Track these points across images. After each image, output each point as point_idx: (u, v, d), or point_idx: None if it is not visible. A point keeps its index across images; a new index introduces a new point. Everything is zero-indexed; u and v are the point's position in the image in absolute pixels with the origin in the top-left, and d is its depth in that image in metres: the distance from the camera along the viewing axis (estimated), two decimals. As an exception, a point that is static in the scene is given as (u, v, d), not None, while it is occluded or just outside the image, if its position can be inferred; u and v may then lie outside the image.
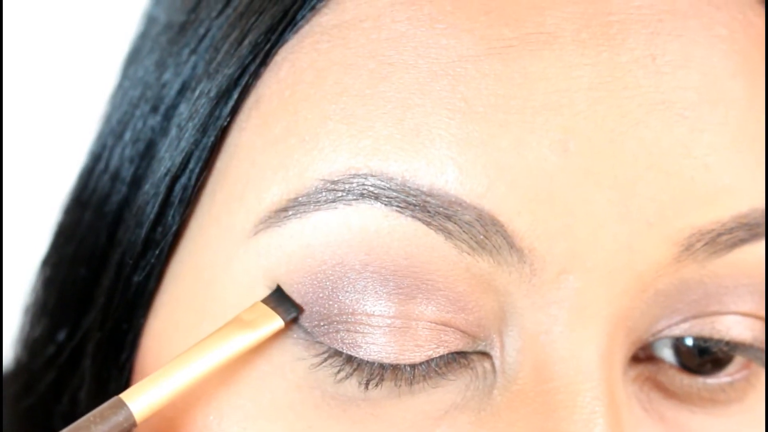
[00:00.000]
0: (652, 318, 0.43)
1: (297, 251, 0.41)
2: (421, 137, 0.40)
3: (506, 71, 0.40)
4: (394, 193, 0.40)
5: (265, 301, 0.41)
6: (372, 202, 0.40)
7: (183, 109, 0.44)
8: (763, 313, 0.44)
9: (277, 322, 0.41)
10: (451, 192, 0.40)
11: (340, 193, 0.40)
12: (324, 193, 0.40)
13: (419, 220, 0.40)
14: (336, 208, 0.40)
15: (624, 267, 0.41)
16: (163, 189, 0.44)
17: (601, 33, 0.41)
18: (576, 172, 0.40)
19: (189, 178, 0.43)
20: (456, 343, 0.41)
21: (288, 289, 0.41)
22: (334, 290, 0.41)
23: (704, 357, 0.44)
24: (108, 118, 0.49)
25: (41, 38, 0.78)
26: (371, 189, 0.40)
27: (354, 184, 0.40)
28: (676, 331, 0.44)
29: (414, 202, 0.40)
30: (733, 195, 0.42)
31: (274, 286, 0.41)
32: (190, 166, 0.43)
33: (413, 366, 0.41)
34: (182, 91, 0.45)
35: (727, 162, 0.42)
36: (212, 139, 0.43)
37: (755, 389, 0.45)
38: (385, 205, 0.40)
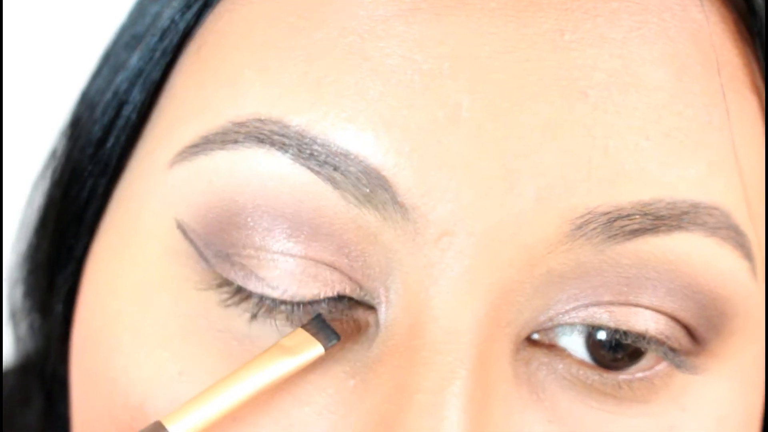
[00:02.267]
0: (548, 298, 0.42)
1: (200, 187, 0.43)
2: (320, 90, 0.41)
3: (409, 32, 0.41)
4: (289, 141, 0.41)
5: (306, 327, 0.42)
6: (268, 147, 0.42)
7: (143, 45, 0.48)
8: (670, 311, 0.43)
9: (317, 349, 0.42)
10: (340, 144, 0.41)
11: (242, 136, 0.42)
12: (230, 134, 0.42)
13: (309, 169, 0.41)
14: (237, 149, 0.42)
15: (509, 237, 0.41)
16: (109, 112, 0.48)
17: (511, 4, 0.42)
18: (466, 137, 0.41)
19: (133, 106, 0.47)
20: (343, 286, 0.42)
21: (191, 222, 0.43)
22: (229, 224, 0.42)
23: (615, 352, 0.44)
24: (107, 52, 0.52)
25: (41, 37, 0.78)
26: (269, 134, 0.42)
27: (255, 129, 0.42)
28: (575, 319, 0.43)
29: (306, 150, 0.41)
30: (634, 181, 0.42)
31: (182, 219, 0.43)
32: (133, 95, 0.47)
33: (300, 305, 0.42)
34: (149, 27, 0.48)
35: (631, 147, 0.42)
36: (155, 74, 0.46)
37: (661, 393, 0.44)
38: (280, 151, 0.41)
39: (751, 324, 0.46)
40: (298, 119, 0.41)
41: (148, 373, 0.43)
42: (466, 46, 0.41)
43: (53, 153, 0.52)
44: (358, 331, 0.43)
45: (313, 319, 0.42)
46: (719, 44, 0.44)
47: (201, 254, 0.43)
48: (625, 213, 0.41)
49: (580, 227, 0.41)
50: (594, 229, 0.41)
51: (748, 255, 0.44)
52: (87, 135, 0.49)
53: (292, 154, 0.41)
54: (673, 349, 0.44)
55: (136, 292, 0.45)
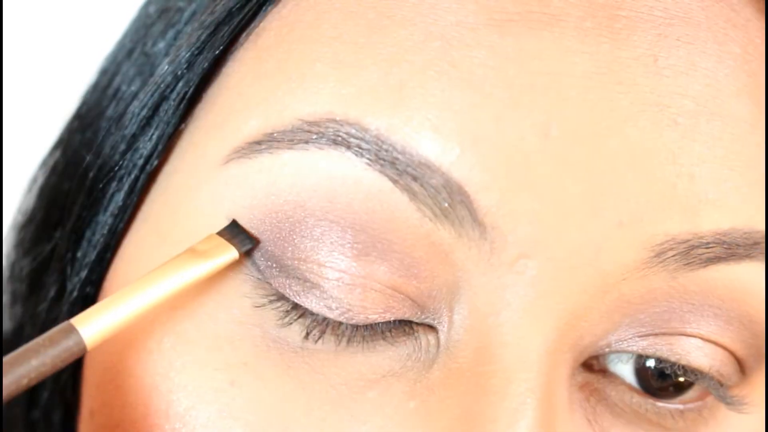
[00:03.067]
0: (611, 324, 0.42)
1: (262, 187, 0.41)
2: (403, 94, 0.40)
3: (501, 44, 0.40)
4: (367, 145, 0.39)
5: (221, 233, 0.40)
6: (344, 150, 0.40)
7: (186, 34, 0.45)
8: (727, 343, 0.43)
9: (231, 254, 0.40)
10: (422, 153, 0.39)
11: (314, 136, 0.40)
12: (299, 133, 0.40)
13: (386, 176, 0.39)
14: (307, 149, 0.40)
15: (588, 263, 0.40)
16: (149, 105, 0.44)
17: (605, 24, 0.41)
18: (553, 157, 0.40)
19: (175, 100, 0.44)
20: (404, 311, 0.41)
21: (247, 225, 0.41)
22: (291, 233, 0.40)
23: (663, 380, 0.43)
24: (125, 35, 0.50)
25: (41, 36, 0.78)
26: (345, 137, 0.40)
27: (329, 129, 0.40)
28: (634, 347, 0.42)
29: (384, 157, 0.39)
30: (715, 210, 0.41)
31: (233, 217, 0.41)
32: (179, 87, 0.43)
33: (357, 326, 0.41)
34: (191, 18, 0.45)
35: (714, 176, 0.41)
36: (205, 65, 0.43)
37: (708, 425, 0.44)
38: (356, 155, 0.40)
39: None
40: (378, 122, 0.39)
41: (196, 380, 0.41)
42: (558, 63, 0.40)
43: (59, 145, 0.50)
44: (419, 349, 0.41)
45: (228, 225, 0.41)
46: None
47: (254, 262, 0.41)
48: (705, 241, 0.41)
49: (659, 254, 0.41)
50: (672, 256, 0.41)
51: None
52: (122, 128, 0.45)
53: (369, 159, 0.39)
54: (721, 384, 0.44)
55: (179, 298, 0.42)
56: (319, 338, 0.41)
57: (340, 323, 0.41)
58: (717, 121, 0.42)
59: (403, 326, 0.41)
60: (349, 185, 0.40)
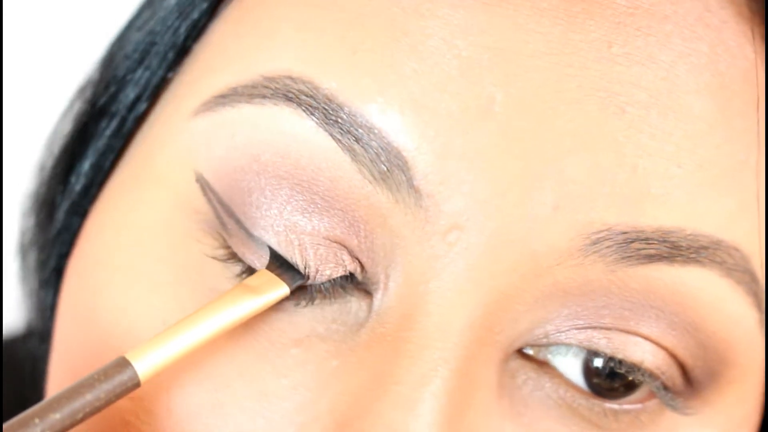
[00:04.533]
0: (547, 312, 0.41)
1: (223, 140, 0.42)
2: (356, 57, 0.41)
3: (454, 17, 0.40)
4: (316, 104, 0.40)
5: (270, 267, 0.42)
6: (295, 107, 0.41)
7: None
8: (669, 346, 0.42)
9: (282, 289, 0.41)
10: (365, 116, 0.40)
11: (271, 91, 0.41)
12: (259, 88, 0.41)
13: (332, 136, 0.40)
14: (264, 105, 0.41)
15: (520, 242, 0.40)
16: (140, 49, 0.47)
17: (563, 7, 0.41)
18: (494, 132, 0.40)
19: (163, 47, 0.46)
20: (352, 265, 0.41)
21: (208, 176, 0.42)
22: (245, 186, 0.42)
23: (612, 380, 0.43)
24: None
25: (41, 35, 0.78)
26: (297, 94, 0.41)
27: (285, 86, 0.41)
28: (572, 340, 0.42)
29: (331, 117, 0.40)
30: (658, 206, 0.41)
31: (199, 170, 0.42)
32: (167, 36, 0.46)
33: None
34: None
35: (660, 171, 0.41)
36: (194, 16, 0.45)
37: (646, 430, 0.43)
38: (306, 113, 0.41)
39: (749, 379, 0.45)
40: (329, 83, 0.40)
41: (133, 316, 0.43)
42: (509, 40, 0.40)
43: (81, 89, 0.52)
44: (349, 313, 0.42)
45: (276, 259, 0.42)
46: None
47: (218, 216, 0.42)
48: (644, 236, 0.41)
49: (595, 243, 0.40)
50: (609, 247, 0.40)
51: (759, 305, 0.43)
52: (113, 74, 0.48)
53: (318, 119, 0.40)
54: (666, 387, 0.43)
55: (135, 234, 0.44)
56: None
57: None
58: (670, 116, 0.41)
59: (337, 289, 0.42)
60: (299, 142, 0.41)
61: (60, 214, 0.50)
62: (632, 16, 0.41)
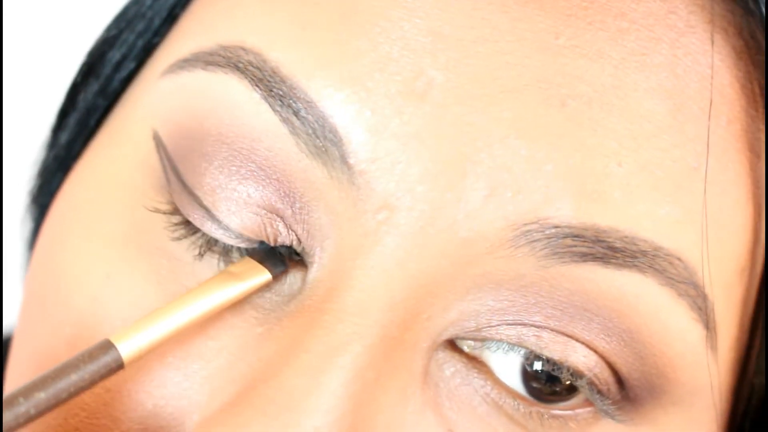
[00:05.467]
0: (479, 304, 0.41)
1: (178, 102, 0.43)
2: (305, 33, 0.41)
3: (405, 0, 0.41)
4: (262, 75, 0.41)
5: (252, 254, 0.42)
6: (242, 77, 0.41)
7: None
8: (602, 351, 0.41)
9: (264, 276, 0.42)
10: (305, 91, 0.40)
11: (224, 60, 0.42)
12: (214, 56, 0.42)
13: (272, 107, 0.41)
14: (216, 72, 0.42)
15: (448, 226, 0.40)
16: (129, 14, 0.49)
17: None
18: (430, 114, 0.40)
19: (150, 13, 0.48)
20: (285, 237, 0.42)
21: (162, 136, 0.43)
22: (191, 148, 0.42)
23: (551, 384, 0.42)
24: None
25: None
26: (246, 64, 0.41)
27: (236, 56, 0.42)
28: (501, 335, 0.41)
29: (274, 89, 0.41)
30: (592, 203, 0.40)
31: (156, 127, 0.44)
32: (154, 5, 0.48)
33: (239, 249, 0.42)
34: None
35: (598, 169, 0.40)
36: None
37: None
38: (251, 83, 0.41)
39: (699, 403, 0.43)
40: (276, 56, 0.41)
41: (82, 268, 0.44)
42: (454, 25, 0.40)
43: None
44: (284, 284, 0.42)
45: (259, 247, 0.42)
46: (731, 99, 0.42)
47: (165, 173, 0.43)
48: (576, 233, 0.40)
49: (525, 234, 0.40)
50: (540, 240, 0.40)
51: (706, 323, 0.42)
52: (105, 36, 0.50)
53: (262, 90, 0.41)
54: (600, 392, 0.42)
55: (99, 190, 0.45)
56: (205, 254, 0.43)
57: (217, 242, 0.42)
58: (614, 113, 0.40)
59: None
60: (242, 111, 0.41)
61: (45, 168, 0.52)
62: (586, 10, 0.41)
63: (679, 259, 0.41)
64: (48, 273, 0.45)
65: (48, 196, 0.51)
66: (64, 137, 0.51)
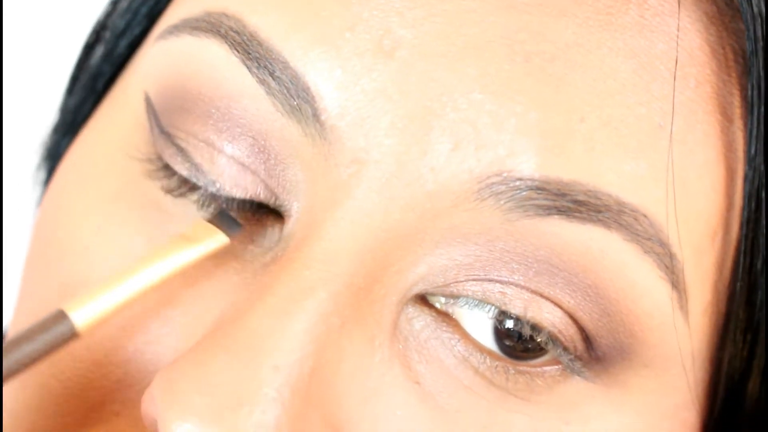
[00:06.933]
0: (448, 259, 0.42)
1: (165, 65, 0.45)
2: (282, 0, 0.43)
3: None
4: (240, 39, 0.43)
5: (208, 219, 0.44)
6: (222, 41, 0.43)
7: None
8: (567, 307, 0.41)
9: (220, 238, 0.43)
10: (280, 51, 0.42)
11: (208, 25, 0.44)
12: (200, 22, 0.44)
13: (248, 69, 0.42)
14: (199, 37, 0.44)
15: (414, 179, 0.41)
16: None
17: None
18: (397, 71, 0.41)
19: None
20: (260, 192, 0.43)
21: (154, 97, 0.45)
22: (175, 107, 0.44)
23: (524, 342, 0.42)
24: None
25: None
26: (227, 29, 0.43)
27: (218, 22, 0.43)
28: (468, 291, 0.42)
29: (251, 51, 0.42)
30: (555, 157, 0.40)
31: (149, 92, 0.45)
32: None
33: (217, 197, 0.43)
34: None
35: (560, 125, 0.40)
36: None
37: (542, 395, 0.42)
38: (230, 47, 0.43)
39: (674, 369, 0.43)
40: (255, 20, 0.43)
41: (77, 221, 0.45)
42: None
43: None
44: (264, 237, 0.43)
45: (215, 212, 0.43)
46: (701, 62, 0.43)
47: (151, 127, 0.45)
48: (540, 186, 0.40)
49: (489, 187, 0.40)
50: (504, 193, 0.40)
51: (675, 282, 0.42)
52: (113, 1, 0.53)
53: (240, 53, 0.43)
54: (567, 348, 0.42)
55: (97, 151, 0.47)
56: (185, 201, 0.44)
57: (201, 191, 0.44)
58: (577, 70, 0.41)
59: (255, 210, 0.43)
60: (222, 73, 0.43)
61: (54, 131, 0.54)
62: None
63: (644, 215, 0.41)
64: (47, 228, 0.47)
65: (56, 160, 0.54)
66: (72, 101, 0.53)
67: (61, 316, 0.40)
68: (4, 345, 0.39)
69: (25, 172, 0.57)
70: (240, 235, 0.43)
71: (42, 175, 0.57)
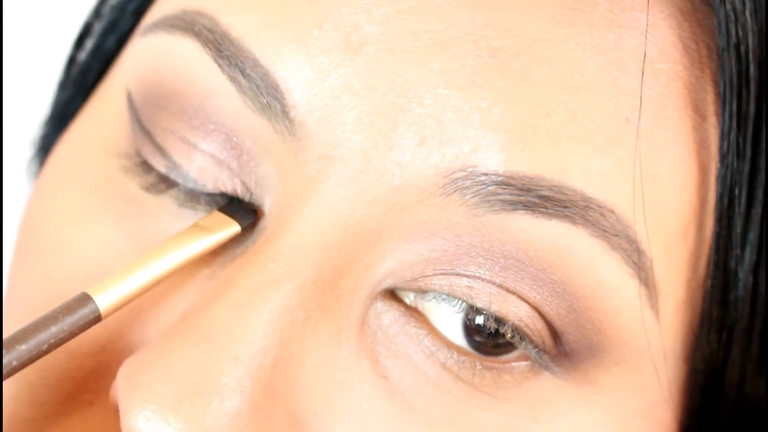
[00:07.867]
0: (416, 254, 0.42)
1: (144, 61, 0.46)
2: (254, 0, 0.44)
3: None
4: (213, 37, 0.43)
5: (222, 209, 0.45)
6: (195, 39, 0.44)
7: None
8: (533, 302, 0.41)
9: (234, 228, 0.44)
10: (250, 49, 0.42)
11: (184, 23, 0.44)
12: (176, 20, 0.45)
13: (220, 67, 0.43)
14: (173, 34, 0.44)
15: (381, 174, 0.41)
16: None
17: None
18: (364, 67, 0.41)
19: None
20: (233, 187, 0.43)
21: (135, 93, 0.46)
22: (152, 102, 0.45)
23: (495, 338, 0.42)
24: None
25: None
26: (201, 28, 0.44)
27: (193, 21, 0.44)
28: (435, 285, 0.42)
29: (223, 50, 0.43)
30: (519, 152, 0.40)
31: (130, 88, 0.46)
32: None
33: (193, 193, 0.44)
34: None
35: (526, 120, 0.40)
36: None
37: (510, 391, 0.42)
38: (203, 45, 0.43)
39: (646, 367, 0.43)
40: (228, 19, 0.43)
41: (56, 215, 0.46)
42: None
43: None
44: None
45: (228, 202, 0.44)
46: (673, 58, 0.43)
47: (131, 123, 0.46)
48: (504, 181, 0.40)
49: (454, 182, 0.40)
50: (469, 187, 0.40)
51: (644, 279, 0.42)
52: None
53: (213, 51, 0.43)
54: (534, 344, 0.42)
55: (80, 146, 0.48)
56: (160, 196, 0.45)
57: (179, 187, 0.44)
58: (543, 66, 0.41)
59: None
60: (195, 70, 0.44)
61: (45, 125, 0.56)
62: None
63: (611, 211, 0.41)
64: (30, 222, 0.48)
65: (48, 153, 0.54)
66: (63, 95, 0.54)
67: (85, 299, 0.41)
68: (31, 325, 0.41)
69: (22, 166, 0.57)
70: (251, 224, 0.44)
71: (35, 168, 0.59)
